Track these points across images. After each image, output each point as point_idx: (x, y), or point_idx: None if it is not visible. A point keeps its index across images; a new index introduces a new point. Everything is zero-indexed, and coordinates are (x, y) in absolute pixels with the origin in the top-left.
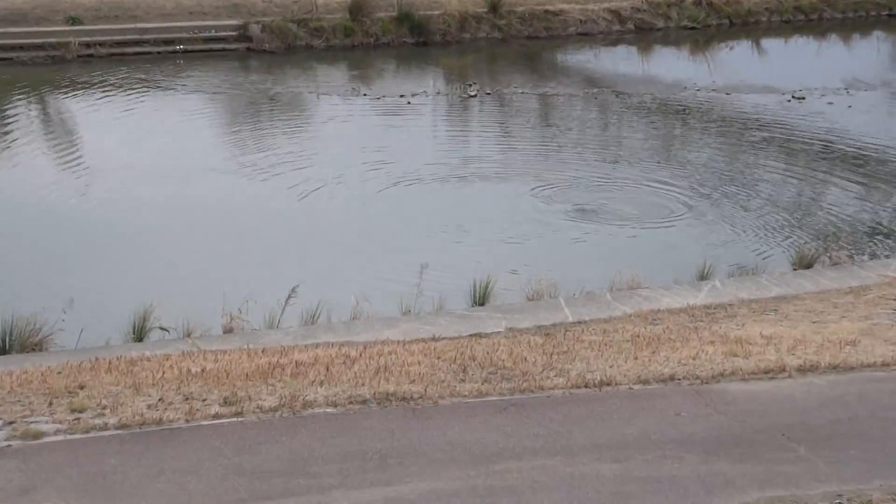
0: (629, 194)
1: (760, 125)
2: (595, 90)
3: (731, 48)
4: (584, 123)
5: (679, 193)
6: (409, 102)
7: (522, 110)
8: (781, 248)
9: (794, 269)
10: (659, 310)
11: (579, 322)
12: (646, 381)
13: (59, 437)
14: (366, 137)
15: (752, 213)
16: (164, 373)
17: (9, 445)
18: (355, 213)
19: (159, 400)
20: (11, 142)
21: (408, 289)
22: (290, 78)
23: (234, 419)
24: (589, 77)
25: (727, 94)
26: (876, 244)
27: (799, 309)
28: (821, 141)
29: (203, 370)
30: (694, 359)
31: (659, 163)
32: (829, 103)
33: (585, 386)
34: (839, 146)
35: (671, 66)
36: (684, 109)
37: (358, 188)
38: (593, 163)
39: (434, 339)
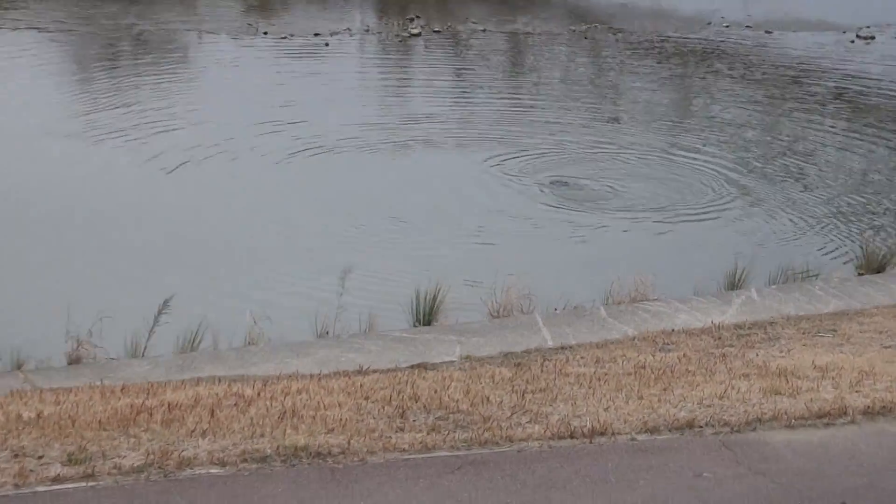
0: (634, 169)
1: (815, 74)
2: (584, 27)
3: None
4: (569, 71)
5: (703, 168)
6: (326, 44)
7: (484, 54)
8: (843, 244)
9: (860, 274)
10: (673, 330)
11: (563, 348)
12: (654, 430)
13: None
14: (265, 90)
15: (801, 196)
16: None
17: None
18: (249, 194)
19: None
20: None
21: (325, 302)
22: (161, 10)
23: (83, 484)
24: (575, 8)
25: (768, 31)
26: None
27: (866, 329)
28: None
29: (39, 416)
30: (721, 398)
31: (676, 124)
32: None
33: (571, 436)
34: None
35: None
36: (710, 52)
37: (252, 159)
38: (585, 124)
39: (361, 371)
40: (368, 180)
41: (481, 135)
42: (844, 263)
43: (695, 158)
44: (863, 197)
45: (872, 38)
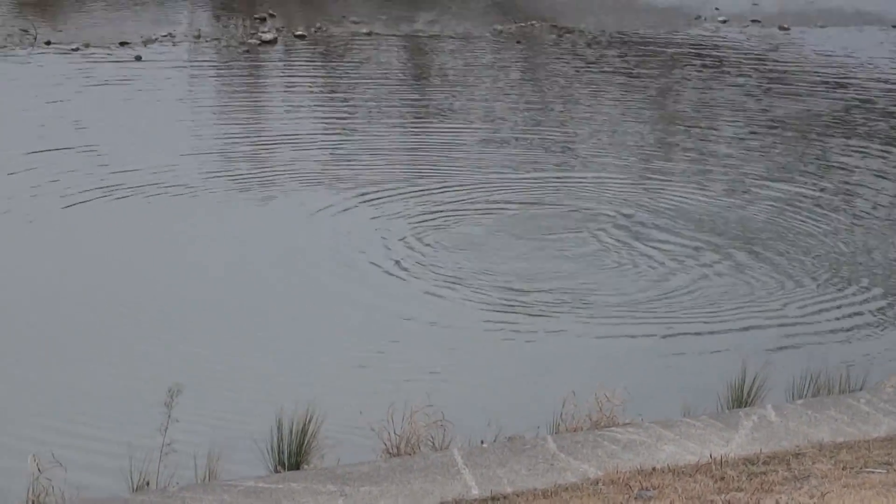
0: (593, 227)
1: (853, 86)
2: (516, 25)
3: None
4: (494, 89)
5: (692, 224)
6: (138, 57)
7: (371, 66)
8: None
9: None
10: (654, 469)
11: (494, 498)
12: None
13: None
14: (40, 120)
15: (839, 267)
16: None
17: None
18: (17, 265)
19: None
20: None
21: (142, 440)
22: None
23: None
24: (502, 2)
25: (783, 28)
26: None
27: None
28: None
29: None
30: None
31: (653, 161)
32: None
33: None
34: None
35: None
36: (702, 58)
37: (18, 206)
38: (521, 159)
39: None
40: (196, 243)
41: (366, 174)
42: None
43: (679, 207)
44: None
45: None
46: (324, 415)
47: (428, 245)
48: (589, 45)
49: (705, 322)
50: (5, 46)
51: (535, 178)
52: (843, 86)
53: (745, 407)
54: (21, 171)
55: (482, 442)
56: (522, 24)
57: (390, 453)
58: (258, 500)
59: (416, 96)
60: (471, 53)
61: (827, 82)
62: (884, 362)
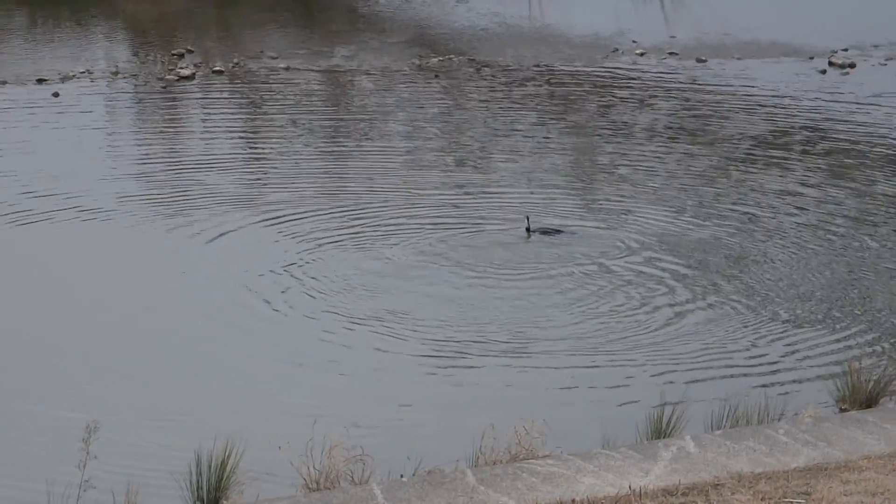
0: (509, 267)
1: (772, 119)
2: (436, 59)
3: None
4: (416, 125)
5: (615, 261)
6: (55, 94)
7: (288, 102)
8: (816, 369)
9: (842, 410)
10: (573, 500)
11: None
12: None
13: None
14: None
15: (756, 300)
16: None
17: None
18: None
19: None
20: None
21: (62, 476)
22: None
23: None
24: (420, 36)
25: (701, 60)
26: None
27: (853, 490)
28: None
29: None
30: None
31: (575, 195)
32: None
33: None
34: None
35: (589, 9)
36: (618, 92)
37: None
38: (441, 198)
39: None
40: (106, 272)
41: (284, 201)
42: (819, 395)
43: (601, 233)
44: (845, 299)
45: (852, 66)
46: (243, 449)
47: (346, 272)
48: (507, 78)
49: (624, 353)
50: None
51: (455, 202)
52: (763, 114)
53: (664, 438)
54: None
55: (401, 476)
56: (441, 59)
57: (310, 488)
58: None
59: (335, 126)
60: (390, 86)
61: (747, 111)
62: (802, 393)
